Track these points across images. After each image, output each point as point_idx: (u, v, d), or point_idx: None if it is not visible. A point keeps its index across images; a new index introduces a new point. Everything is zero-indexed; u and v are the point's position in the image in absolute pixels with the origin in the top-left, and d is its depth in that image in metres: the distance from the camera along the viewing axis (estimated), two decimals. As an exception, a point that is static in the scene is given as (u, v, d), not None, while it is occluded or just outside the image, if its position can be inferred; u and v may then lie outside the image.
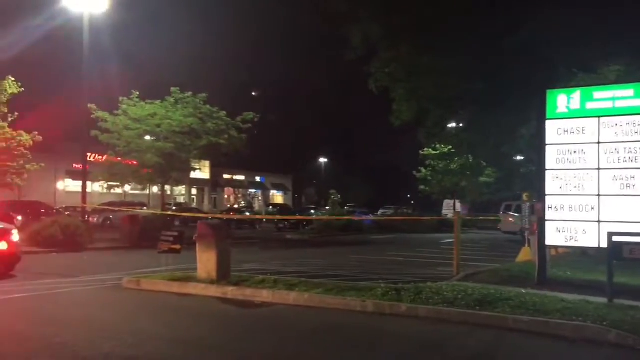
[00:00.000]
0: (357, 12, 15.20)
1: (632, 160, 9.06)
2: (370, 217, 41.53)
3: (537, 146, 10.40)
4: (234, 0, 53.69)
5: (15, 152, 22.59)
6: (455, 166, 40.86)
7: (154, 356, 6.02)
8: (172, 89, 24.10)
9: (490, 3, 15.02)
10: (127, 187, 29.99)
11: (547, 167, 9.76)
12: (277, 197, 75.30)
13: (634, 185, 9.02)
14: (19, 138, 22.31)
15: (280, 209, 52.11)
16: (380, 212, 49.71)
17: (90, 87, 22.11)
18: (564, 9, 13.49)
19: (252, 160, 45.72)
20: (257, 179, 72.20)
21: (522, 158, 30.93)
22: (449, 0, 14.90)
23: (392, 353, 6.45)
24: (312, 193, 77.90)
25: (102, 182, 25.92)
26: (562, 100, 9.75)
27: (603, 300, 8.03)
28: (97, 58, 25.84)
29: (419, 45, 15.12)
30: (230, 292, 9.53)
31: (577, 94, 9.69)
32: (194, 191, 62.59)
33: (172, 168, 24.81)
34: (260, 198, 72.07)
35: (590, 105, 9.52)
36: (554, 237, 9.72)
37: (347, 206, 46.07)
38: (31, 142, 22.65)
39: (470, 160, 38.01)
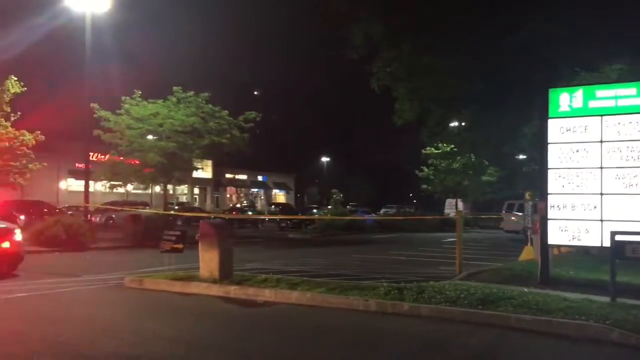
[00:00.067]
0: (357, 12, 15.19)
1: (634, 159, 9.04)
2: (373, 216, 41.53)
3: (539, 145, 10.38)
4: (235, 0, 53.69)
5: (18, 152, 22.65)
6: (457, 165, 40.83)
7: (156, 355, 6.03)
8: (174, 88, 24.10)
9: (490, 3, 15.00)
10: (130, 187, 29.95)
11: (549, 166, 9.75)
12: (280, 196, 75.28)
13: (636, 184, 9.00)
14: (21, 137, 22.36)
15: (283, 208, 52.12)
16: (382, 211, 49.70)
17: (93, 86, 22.13)
18: (564, 9, 13.46)
19: (254, 159, 45.71)
20: (260, 178, 72.20)
21: (525, 157, 30.87)
22: (449, 0, 14.88)
23: (395, 352, 6.45)
24: (314, 192, 77.85)
25: (104, 182, 25.96)
26: (565, 99, 9.73)
27: (606, 299, 8.02)
28: (99, 57, 25.85)
29: (420, 45, 15.11)
30: (233, 291, 9.54)
31: (579, 93, 9.67)
32: (196, 190, 62.60)
33: (175, 167, 24.81)
34: (262, 197, 72.05)
35: (592, 104, 9.50)
36: (556, 236, 9.71)
37: (349, 205, 46.06)
38: (34, 142, 22.70)
39: (473, 159, 37.97)
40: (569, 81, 12.79)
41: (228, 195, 68.25)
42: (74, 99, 26.58)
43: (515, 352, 6.58)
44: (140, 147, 23.48)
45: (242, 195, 70.67)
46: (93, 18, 20.62)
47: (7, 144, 22.04)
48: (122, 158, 24.71)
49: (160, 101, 23.88)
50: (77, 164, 40.16)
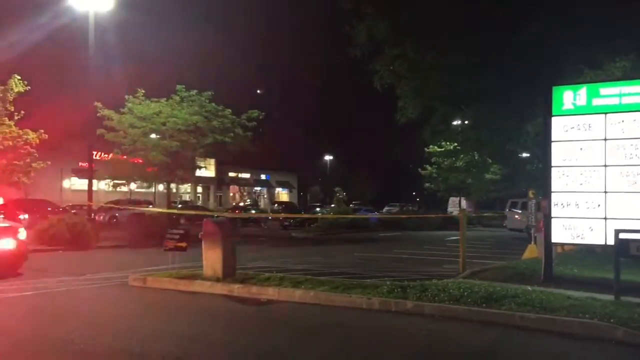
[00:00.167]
0: (361, 9, 15.15)
1: (639, 157, 9.00)
2: (376, 214, 41.51)
3: (542, 143, 10.35)
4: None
5: (22, 151, 22.66)
6: (460, 163, 40.73)
7: (160, 353, 6.03)
8: (178, 86, 24.15)
9: (494, 1, 14.94)
10: (133, 185, 29.99)
11: (553, 164, 9.71)
12: (283, 194, 75.33)
13: (641, 182, 8.96)
14: (25, 136, 22.37)
15: (286, 206, 52.14)
16: (385, 209, 49.68)
17: (96, 85, 22.18)
18: (569, 7, 13.39)
19: (257, 158, 45.77)
20: (263, 176, 72.29)
21: (528, 155, 30.79)
22: None
23: (398, 350, 6.45)
24: (317, 191, 77.95)
25: (107, 181, 26.02)
26: (568, 96, 9.70)
27: (610, 297, 8.00)
28: (103, 56, 25.91)
29: (424, 43, 15.07)
30: (236, 289, 9.55)
31: (583, 90, 9.64)
32: (199, 189, 62.69)
33: (178, 166, 24.85)
34: (265, 196, 72.12)
35: (596, 101, 9.47)
36: (560, 234, 9.68)
37: (352, 204, 46.04)
38: (37, 141, 22.71)
39: (476, 158, 37.86)
40: (573, 79, 12.74)
41: (231, 194, 68.34)
42: (77, 98, 26.65)
43: (519, 350, 6.56)
44: (144, 146, 23.52)
45: (245, 193, 70.77)
46: (96, 17, 20.64)
47: (10, 143, 22.05)
48: (125, 157, 24.76)
49: (163, 100, 23.92)
50: (80, 163, 40.20)
